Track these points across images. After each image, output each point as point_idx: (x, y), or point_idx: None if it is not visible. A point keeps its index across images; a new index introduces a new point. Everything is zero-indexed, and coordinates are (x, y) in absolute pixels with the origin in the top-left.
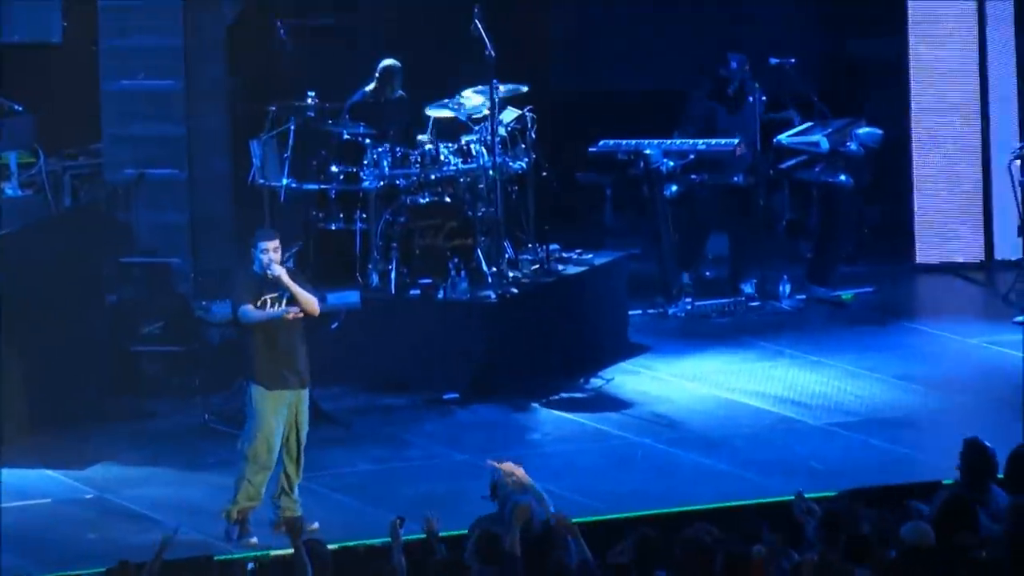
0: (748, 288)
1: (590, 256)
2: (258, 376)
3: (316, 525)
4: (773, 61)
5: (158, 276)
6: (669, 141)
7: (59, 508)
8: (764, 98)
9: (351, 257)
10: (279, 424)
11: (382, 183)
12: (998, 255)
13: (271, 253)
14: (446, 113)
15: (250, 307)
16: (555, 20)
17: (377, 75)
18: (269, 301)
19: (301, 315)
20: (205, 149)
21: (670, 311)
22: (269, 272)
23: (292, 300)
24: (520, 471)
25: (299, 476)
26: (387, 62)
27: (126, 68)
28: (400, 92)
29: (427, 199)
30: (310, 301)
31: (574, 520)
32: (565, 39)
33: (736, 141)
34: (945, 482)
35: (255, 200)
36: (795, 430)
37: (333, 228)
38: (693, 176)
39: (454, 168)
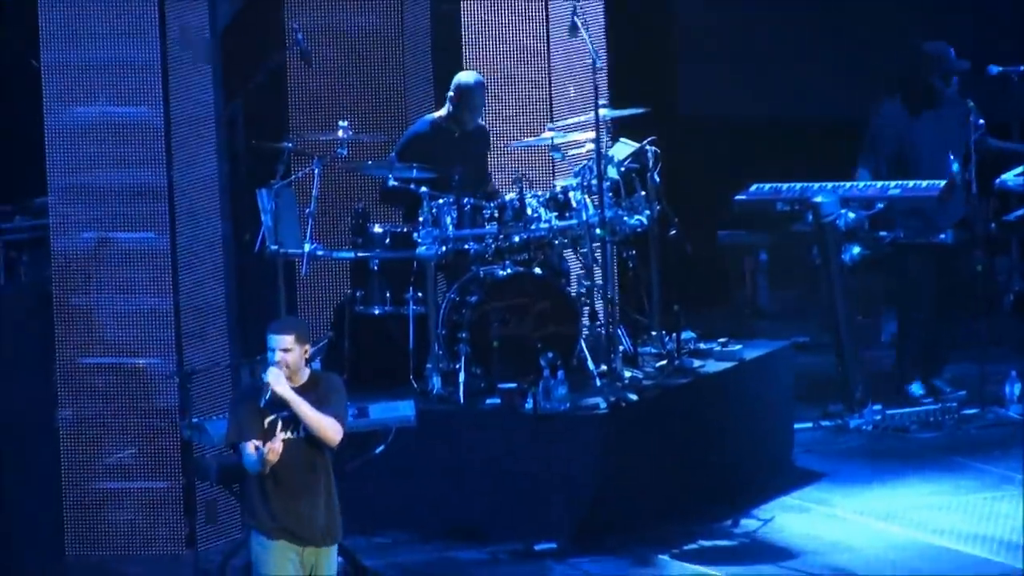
0: (917, 390)
1: (738, 348)
2: (257, 521)
3: None
4: (993, 70)
5: (130, 384)
6: (848, 184)
7: None
8: (982, 122)
9: (402, 353)
10: None
11: (445, 249)
12: None
13: (279, 354)
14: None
15: (249, 446)
16: (684, 23)
17: (451, 96)
18: (281, 423)
19: (289, 438)
20: (193, 204)
21: (852, 423)
22: (264, 381)
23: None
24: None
25: None
26: (466, 77)
27: (80, 90)
28: (479, 122)
29: (509, 271)
30: (324, 424)
31: None
32: (698, 50)
33: (942, 184)
34: None
35: (265, 275)
36: None
37: (376, 313)
38: (883, 233)
39: (546, 226)
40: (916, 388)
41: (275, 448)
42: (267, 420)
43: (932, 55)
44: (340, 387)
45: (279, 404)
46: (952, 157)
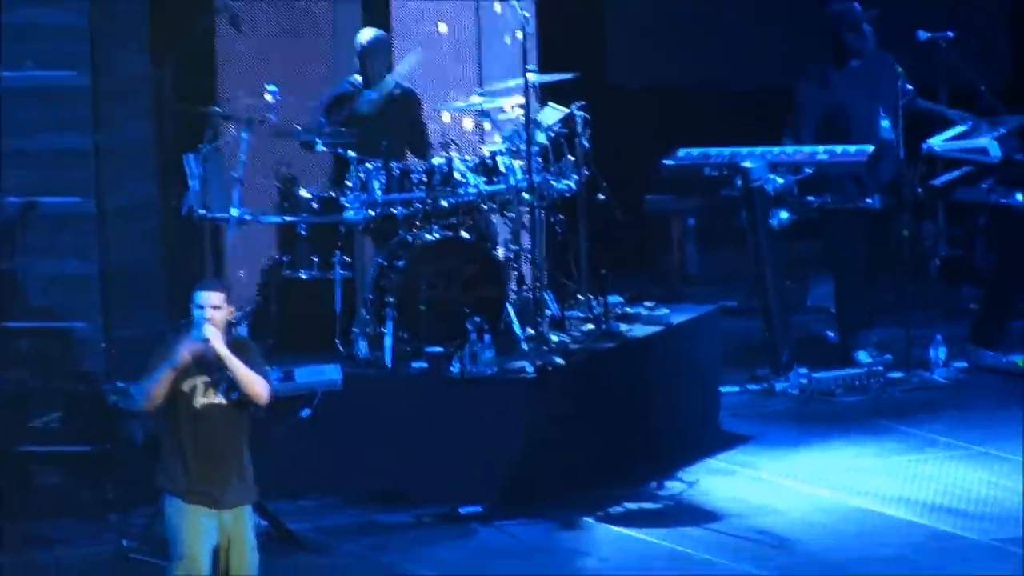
0: (865, 357)
1: (666, 312)
2: (174, 485)
3: None
4: (922, 36)
5: (55, 348)
6: (777, 150)
7: None
8: (910, 87)
9: (329, 317)
10: (206, 550)
11: (373, 213)
12: None
13: (208, 311)
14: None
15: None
16: None
17: (357, 55)
18: (201, 387)
19: (223, 401)
20: (120, 168)
21: (778, 387)
22: (195, 336)
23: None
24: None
25: None
26: (363, 35)
27: (7, 54)
28: (397, 80)
29: (436, 235)
30: (254, 380)
31: None
32: (625, 15)
33: (870, 149)
34: None
35: (192, 239)
36: (954, 548)
37: (304, 277)
38: (811, 198)
39: (475, 191)
40: (863, 356)
41: (187, 352)
42: (188, 383)
43: (836, 12)
44: (259, 352)
45: (212, 363)
46: (883, 113)
